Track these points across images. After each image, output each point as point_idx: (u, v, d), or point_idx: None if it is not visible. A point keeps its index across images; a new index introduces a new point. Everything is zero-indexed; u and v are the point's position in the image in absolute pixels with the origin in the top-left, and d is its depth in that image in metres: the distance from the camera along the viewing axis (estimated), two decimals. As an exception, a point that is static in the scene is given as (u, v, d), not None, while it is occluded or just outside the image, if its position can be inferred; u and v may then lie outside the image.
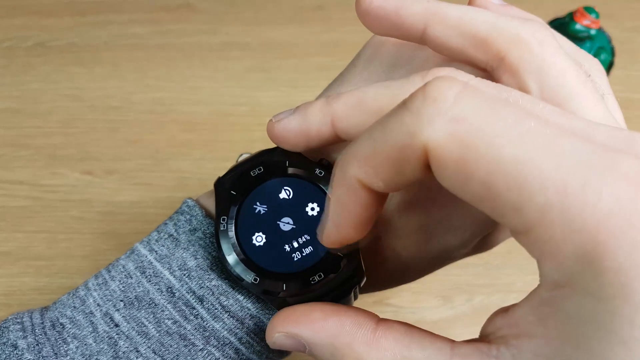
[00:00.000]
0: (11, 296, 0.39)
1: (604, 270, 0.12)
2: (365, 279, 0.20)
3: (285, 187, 0.20)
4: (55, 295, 0.39)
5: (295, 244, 0.19)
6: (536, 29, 0.18)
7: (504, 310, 0.15)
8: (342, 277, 0.19)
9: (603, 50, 0.41)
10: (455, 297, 0.39)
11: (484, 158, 0.13)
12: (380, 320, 0.17)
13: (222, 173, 0.21)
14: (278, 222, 0.20)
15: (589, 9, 0.40)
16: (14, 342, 0.19)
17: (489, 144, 0.13)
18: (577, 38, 0.41)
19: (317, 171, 0.20)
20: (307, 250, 0.19)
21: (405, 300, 0.39)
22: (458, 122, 0.13)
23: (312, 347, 0.17)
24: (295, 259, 0.19)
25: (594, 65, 0.20)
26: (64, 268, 0.40)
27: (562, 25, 0.41)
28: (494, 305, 0.39)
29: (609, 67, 0.42)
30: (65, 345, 0.19)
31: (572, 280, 0.13)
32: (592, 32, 0.40)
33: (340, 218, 0.16)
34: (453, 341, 0.16)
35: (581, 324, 0.13)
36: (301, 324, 0.17)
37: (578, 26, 0.40)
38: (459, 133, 0.13)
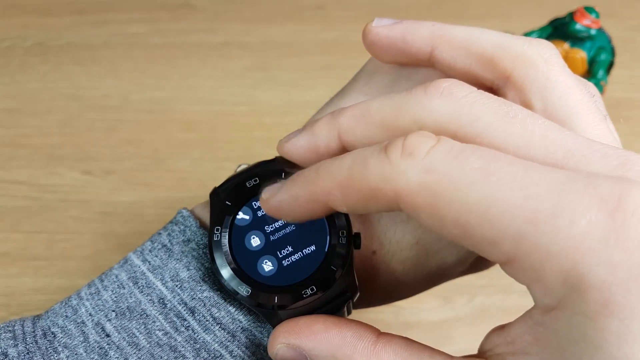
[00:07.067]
0: (10, 296, 0.39)
1: (587, 289, 0.13)
2: (358, 294, 0.20)
3: None
4: (54, 296, 0.39)
5: (289, 257, 0.19)
6: (542, 47, 0.18)
7: (500, 328, 0.16)
8: (335, 291, 0.19)
9: (603, 50, 0.41)
10: (455, 298, 0.39)
11: (453, 202, 0.14)
12: (381, 334, 0.17)
13: (221, 173, 0.21)
14: (272, 234, 0.19)
15: (589, 9, 0.40)
16: (5, 351, 0.19)
17: (455, 189, 0.14)
18: (578, 38, 0.41)
19: None
20: (301, 263, 0.19)
21: (405, 301, 0.38)
22: (428, 172, 0.14)
23: (314, 358, 0.17)
24: (288, 272, 0.19)
25: (591, 88, 0.20)
26: (63, 268, 0.40)
27: (563, 25, 0.41)
28: (494, 306, 0.39)
29: (609, 67, 0.42)
30: (55, 355, 0.19)
31: (561, 303, 0.13)
32: (593, 32, 0.40)
33: (287, 207, 0.17)
34: (452, 356, 0.16)
35: (573, 342, 0.13)
36: (303, 335, 0.17)
37: (578, 26, 0.40)
38: (429, 182, 0.14)
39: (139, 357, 0.19)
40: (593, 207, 0.13)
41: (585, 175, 0.13)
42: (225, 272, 0.19)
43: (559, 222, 0.13)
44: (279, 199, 0.17)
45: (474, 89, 0.17)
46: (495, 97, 0.17)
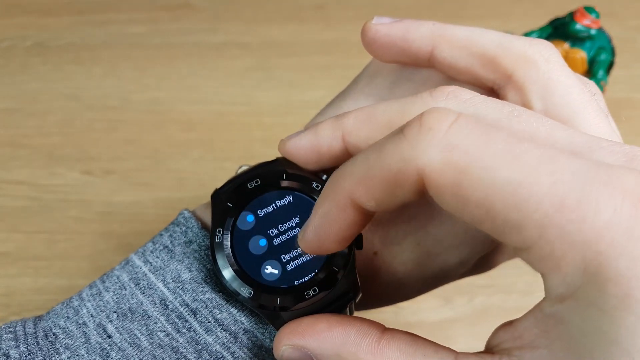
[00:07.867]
0: (10, 297, 0.39)
1: (606, 281, 0.12)
2: (360, 295, 0.20)
3: (281, 200, 0.20)
4: (54, 296, 0.39)
5: (291, 258, 0.19)
6: (543, 47, 0.18)
7: (508, 324, 0.16)
8: (337, 292, 0.19)
9: (603, 50, 0.41)
10: (455, 298, 0.39)
11: (479, 182, 0.13)
12: (385, 330, 0.17)
13: (221, 173, 0.21)
14: (274, 235, 0.19)
15: (589, 9, 0.40)
16: (6, 352, 0.19)
17: (482, 167, 0.13)
18: (578, 38, 0.41)
19: (314, 184, 0.20)
20: (303, 264, 0.19)
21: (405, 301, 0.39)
22: (452, 149, 0.13)
23: (319, 358, 0.17)
24: (290, 273, 0.19)
25: (592, 86, 0.20)
26: (63, 268, 0.40)
27: (563, 25, 0.41)
28: (494, 306, 0.39)
29: (609, 67, 0.42)
30: (57, 356, 0.19)
31: (576, 293, 0.13)
32: (593, 32, 0.40)
33: (324, 231, 0.16)
34: (457, 352, 0.16)
35: (585, 335, 0.13)
36: (307, 335, 0.17)
37: (578, 26, 0.40)
38: (453, 159, 0.13)
39: (140, 358, 0.19)
40: (618, 197, 0.12)
41: (607, 166, 0.13)
42: (227, 274, 0.19)
43: (585, 211, 0.12)
44: (313, 226, 0.16)
45: (476, 93, 0.17)
46: (498, 100, 0.17)
